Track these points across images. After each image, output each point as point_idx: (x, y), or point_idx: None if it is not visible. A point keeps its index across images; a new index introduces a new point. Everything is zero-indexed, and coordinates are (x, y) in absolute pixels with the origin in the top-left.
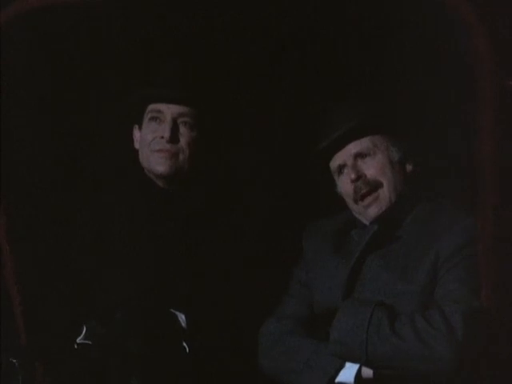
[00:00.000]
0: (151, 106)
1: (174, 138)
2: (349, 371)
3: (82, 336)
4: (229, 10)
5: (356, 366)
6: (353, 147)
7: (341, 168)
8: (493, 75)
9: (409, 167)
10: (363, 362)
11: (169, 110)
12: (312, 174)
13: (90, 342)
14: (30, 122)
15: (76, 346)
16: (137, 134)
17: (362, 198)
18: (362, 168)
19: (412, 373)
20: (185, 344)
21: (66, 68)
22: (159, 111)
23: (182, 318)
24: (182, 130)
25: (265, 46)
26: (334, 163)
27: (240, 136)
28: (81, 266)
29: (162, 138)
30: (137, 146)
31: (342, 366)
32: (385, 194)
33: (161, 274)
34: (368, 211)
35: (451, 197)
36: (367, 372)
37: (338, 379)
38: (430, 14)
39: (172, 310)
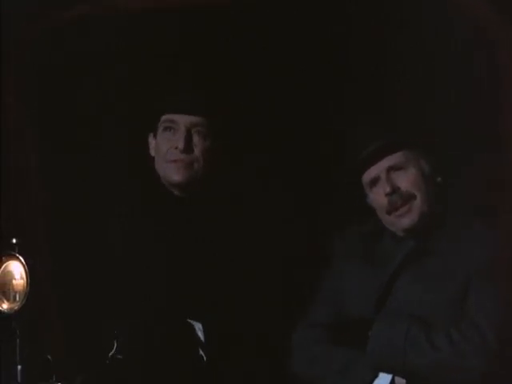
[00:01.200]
0: (165, 117)
1: (188, 148)
2: (382, 381)
3: (113, 350)
4: (238, 18)
5: (389, 376)
6: (386, 161)
7: (374, 181)
8: None
9: (438, 179)
10: (399, 372)
11: (182, 120)
12: (341, 186)
13: (121, 357)
14: (31, 122)
15: (108, 361)
16: (152, 141)
17: (396, 209)
18: (396, 181)
19: (445, 381)
20: (202, 353)
21: (79, 72)
22: (173, 121)
23: (199, 327)
24: (196, 139)
25: (274, 52)
26: (368, 176)
27: (253, 144)
28: (99, 277)
29: (177, 148)
30: (152, 153)
31: (375, 376)
32: (418, 205)
33: (177, 284)
34: (401, 222)
35: (478, 209)
36: (400, 382)
37: None
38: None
39: (189, 320)
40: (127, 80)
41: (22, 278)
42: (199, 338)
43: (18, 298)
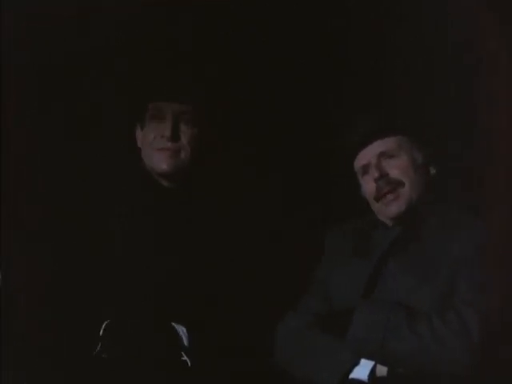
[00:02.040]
0: (152, 105)
1: (175, 136)
2: (363, 368)
3: (98, 349)
4: (229, 8)
5: (371, 364)
6: (377, 146)
7: (365, 168)
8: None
9: (432, 171)
10: (379, 359)
11: (169, 108)
12: (333, 173)
13: (104, 356)
14: (30, 121)
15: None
16: (139, 133)
17: (383, 195)
18: (386, 167)
19: (426, 372)
20: (186, 358)
21: (65, 68)
22: (160, 109)
23: (183, 330)
24: (183, 127)
25: (265, 42)
26: (359, 163)
27: (241, 133)
28: (82, 270)
29: (163, 136)
30: (139, 144)
31: (356, 363)
32: (405, 193)
33: (161, 283)
34: (388, 209)
35: (466, 199)
36: (381, 370)
37: (351, 375)
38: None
39: (173, 324)
40: (124, 73)
41: None
42: (183, 342)
43: None
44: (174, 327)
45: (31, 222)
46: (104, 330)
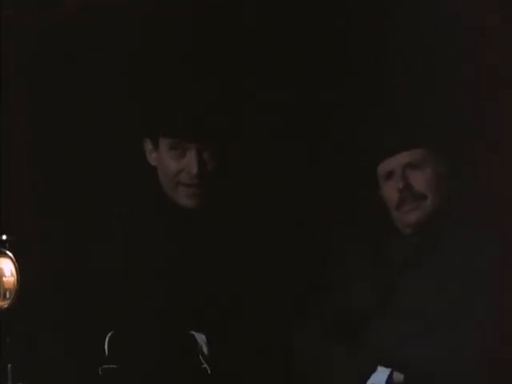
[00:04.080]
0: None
1: (201, 172)
2: (381, 375)
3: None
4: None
5: (388, 370)
6: (404, 156)
7: (389, 175)
8: None
9: (454, 183)
10: (396, 366)
11: (192, 143)
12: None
13: (114, 366)
14: (31, 121)
15: (100, 372)
16: (150, 150)
17: (405, 205)
18: (410, 179)
19: (442, 380)
20: (206, 365)
21: (67, 67)
22: (180, 142)
23: (202, 338)
24: (207, 160)
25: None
26: (384, 168)
27: (249, 141)
28: (96, 285)
29: (189, 172)
30: (152, 162)
31: (374, 370)
32: (427, 206)
33: (179, 294)
34: (408, 217)
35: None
36: (398, 376)
37: (369, 382)
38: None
39: (191, 332)
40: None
41: (12, 275)
42: (202, 349)
43: (8, 296)
44: (193, 335)
45: (40, 230)
46: (110, 341)
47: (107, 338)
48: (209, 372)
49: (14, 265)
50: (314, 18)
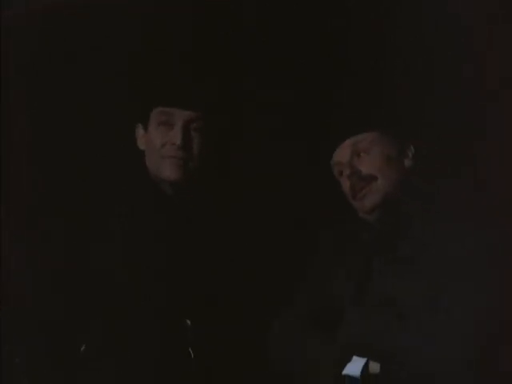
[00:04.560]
0: (160, 109)
1: (185, 144)
2: (356, 364)
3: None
4: (235, 12)
5: (363, 360)
6: (350, 144)
7: (339, 167)
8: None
9: (408, 163)
10: (371, 356)
11: (180, 115)
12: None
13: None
14: (31, 121)
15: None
16: (140, 133)
17: (358, 192)
18: (358, 164)
19: (418, 369)
20: (190, 350)
21: (68, 67)
22: (169, 114)
23: (187, 324)
24: (193, 135)
25: (265, 43)
26: (334, 160)
27: (248, 140)
28: (84, 271)
29: (173, 144)
30: (141, 146)
31: (349, 360)
32: (379, 187)
33: (166, 281)
34: (363, 203)
35: (453, 194)
36: (374, 366)
37: (344, 372)
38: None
39: (178, 317)
40: (125, 72)
41: None
42: (187, 334)
43: None
44: (179, 320)
45: (37, 225)
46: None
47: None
48: (192, 356)
49: None
50: (312, 17)
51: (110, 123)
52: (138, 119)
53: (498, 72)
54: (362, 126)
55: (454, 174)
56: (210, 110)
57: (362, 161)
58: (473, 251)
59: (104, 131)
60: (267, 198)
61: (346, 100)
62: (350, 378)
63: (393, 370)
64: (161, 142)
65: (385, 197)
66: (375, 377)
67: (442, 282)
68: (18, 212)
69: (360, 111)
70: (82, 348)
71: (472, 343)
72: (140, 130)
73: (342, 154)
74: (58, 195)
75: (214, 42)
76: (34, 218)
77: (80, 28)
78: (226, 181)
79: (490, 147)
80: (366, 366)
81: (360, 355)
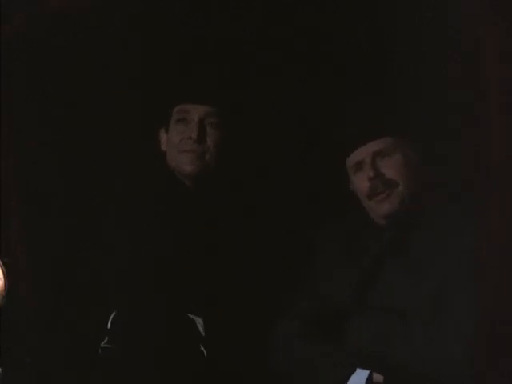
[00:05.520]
0: (178, 108)
1: (201, 138)
2: (359, 376)
3: (105, 340)
4: (236, 13)
5: (367, 372)
6: (373, 145)
7: (359, 165)
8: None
9: (426, 170)
10: (374, 367)
11: (196, 111)
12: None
13: (113, 346)
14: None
15: (100, 351)
16: (163, 136)
17: (377, 195)
18: (380, 167)
19: (422, 378)
20: (202, 348)
21: (92, 69)
22: (186, 111)
23: (199, 322)
24: (209, 130)
25: (268, 47)
26: (353, 159)
27: (265, 134)
28: (102, 266)
29: (190, 138)
30: (164, 148)
31: (353, 371)
32: (399, 193)
33: (181, 276)
34: (380, 207)
35: (463, 199)
36: (378, 377)
37: (348, 383)
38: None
39: (189, 315)
40: (139, 72)
41: (0, 279)
42: (200, 332)
43: None
44: (191, 318)
45: (47, 215)
46: (112, 321)
47: (110, 319)
48: (205, 355)
49: (1, 267)
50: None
51: (131, 127)
52: (160, 122)
53: None
54: (382, 130)
55: (467, 181)
56: (224, 105)
57: (385, 164)
58: (485, 260)
59: (126, 134)
60: (278, 195)
61: (364, 104)
62: None
63: (397, 379)
64: (179, 138)
65: (402, 203)
66: None
67: (449, 290)
68: (36, 204)
69: (380, 115)
70: (102, 343)
71: (479, 353)
72: (163, 134)
73: (363, 154)
74: (80, 191)
75: (227, 38)
76: (54, 210)
77: (89, 32)
78: (246, 179)
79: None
80: (369, 378)
81: (364, 364)
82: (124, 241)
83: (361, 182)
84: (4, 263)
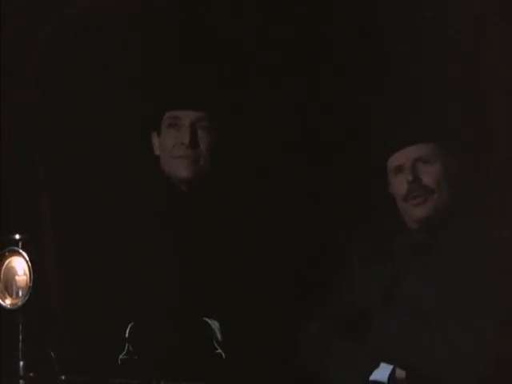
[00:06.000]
0: (169, 113)
1: (193, 143)
2: (383, 370)
3: (125, 351)
4: (236, 13)
5: (390, 367)
6: (414, 150)
7: (399, 168)
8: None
9: (461, 179)
10: (397, 363)
11: (187, 116)
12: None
13: (133, 357)
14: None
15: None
16: (156, 140)
17: (413, 198)
18: (420, 172)
19: (443, 376)
20: (220, 350)
21: (80, 74)
22: (177, 117)
23: (216, 325)
24: (201, 134)
25: (273, 46)
26: (393, 162)
27: (257, 137)
28: (110, 276)
29: (182, 144)
30: (157, 152)
31: (376, 366)
32: (434, 200)
33: (190, 282)
34: (416, 210)
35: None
36: (401, 373)
37: (372, 378)
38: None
39: (205, 319)
40: (130, 78)
41: (25, 273)
42: (217, 336)
43: (20, 294)
44: (207, 322)
45: (56, 226)
46: (130, 330)
47: (128, 329)
48: (223, 357)
49: (27, 263)
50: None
51: (124, 131)
52: (151, 127)
53: None
54: (423, 135)
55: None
56: (215, 109)
57: (425, 170)
58: (500, 266)
59: (121, 139)
60: (278, 197)
61: (407, 108)
62: (377, 383)
63: (419, 377)
64: (171, 144)
65: (436, 210)
66: (402, 382)
67: (472, 294)
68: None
69: (421, 121)
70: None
71: (497, 355)
72: (155, 138)
73: (405, 158)
74: (69, 194)
75: (217, 42)
76: (45, 216)
77: (81, 29)
78: (241, 182)
79: None
80: (393, 373)
81: (387, 360)
82: (129, 247)
83: (399, 185)
84: (30, 259)
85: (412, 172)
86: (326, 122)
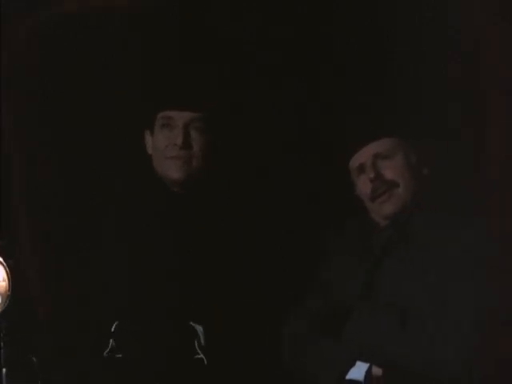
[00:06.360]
0: (162, 113)
1: (186, 144)
2: (359, 369)
3: (108, 349)
4: (235, 14)
5: (366, 365)
6: (373, 147)
7: (361, 168)
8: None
9: (425, 171)
10: (374, 361)
11: (180, 117)
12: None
13: (117, 355)
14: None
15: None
16: (148, 139)
17: (379, 196)
18: (381, 168)
19: (421, 372)
20: (202, 356)
21: (77, 73)
22: (170, 118)
23: (200, 330)
24: (194, 135)
25: (270, 47)
26: (355, 163)
27: (251, 137)
28: (100, 275)
29: (175, 144)
30: (150, 151)
31: (352, 364)
32: (400, 194)
33: (177, 285)
34: (383, 208)
35: (462, 199)
36: (377, 371)
37: (348, 376)
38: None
39: (190, 323)
40: (124, 77)
41: (3, 280)
42: (200, 340)
43: (0, 301)
44: (192, 326)
45: (46, 226)
46: (115, 329)
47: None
48: (205, 363)
49: (5, 269)
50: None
51: (117, 131)
52: (144, 126)
53: None
54: (381, 132)
55: (465, 181)
56: (209, 110)
57: (386, 166)
58: (483, 258)
59: (113, 138)
60: (274, 198)
61: (364, 106)
62: (353, 382)
63: (395, 373)
64: (164, 144)
65: (404, 205)
66: (378, 380)
67: (449, 289)
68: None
69: (379, 117)
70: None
71: (476, 347)
72: (148, 137)
73: (364, 157)
74: (71, 197)
75: (216, 42)
76: (48, 217)
77: (88, 33)
78: (235, 183)
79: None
80: (369, 371)
81: (363, 358)
82: (120, 252)
83: (364, 185)
84: (8, 265)
85: (373, 169)
86: (325, 122)
